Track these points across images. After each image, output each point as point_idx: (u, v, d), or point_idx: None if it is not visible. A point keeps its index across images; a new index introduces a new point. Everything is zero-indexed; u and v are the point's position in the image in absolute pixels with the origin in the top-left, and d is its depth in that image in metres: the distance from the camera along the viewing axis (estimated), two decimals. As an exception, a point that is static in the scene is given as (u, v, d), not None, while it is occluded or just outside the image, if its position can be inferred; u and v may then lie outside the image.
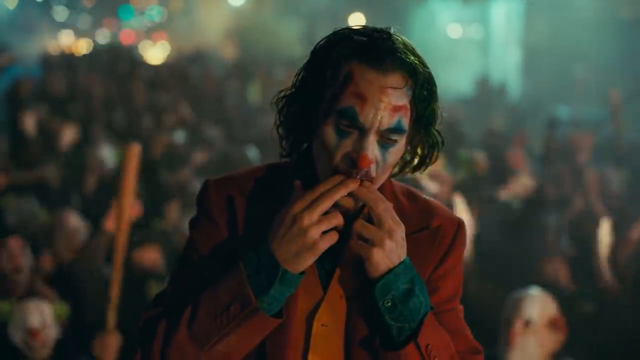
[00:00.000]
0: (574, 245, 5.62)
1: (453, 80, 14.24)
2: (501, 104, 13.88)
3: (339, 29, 1.68)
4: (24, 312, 3.87)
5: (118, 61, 14.73)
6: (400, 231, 1.62)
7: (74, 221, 5.24)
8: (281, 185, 1.70)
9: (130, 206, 3.95)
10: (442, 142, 1.74)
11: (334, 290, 1.69)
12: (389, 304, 1.60)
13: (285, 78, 14.47)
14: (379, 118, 1.58)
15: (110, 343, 3.88)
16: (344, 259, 1.69)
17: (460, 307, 1.78)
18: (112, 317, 3.88)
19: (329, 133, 1.61)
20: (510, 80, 16.66)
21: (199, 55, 16.22)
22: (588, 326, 4.21)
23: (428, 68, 1.64)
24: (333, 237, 1.60)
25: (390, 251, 1.60)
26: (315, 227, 1.57)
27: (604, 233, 4.44)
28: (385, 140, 1.61)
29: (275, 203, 1.66)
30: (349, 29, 1.66)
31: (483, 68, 16.78)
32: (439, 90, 1.67)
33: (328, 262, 1.70)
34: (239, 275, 1.59)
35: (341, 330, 1.67)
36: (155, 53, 19.38)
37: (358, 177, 1.60)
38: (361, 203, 1.65)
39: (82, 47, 18.81)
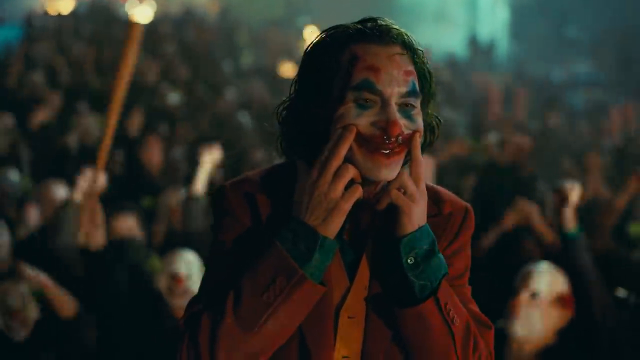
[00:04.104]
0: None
1: (441, 40, 14.19)
2: (488, 64, 13.84)
3: (327, 29, 1.73)
4: (3, 294, 3.82)
5: (103, 21, 14.50)
6: (425, 198, 1.69)
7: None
8: (298, 178, 1.73)
9: (125, 84, 3.96)
10: (440, 121, 1.78)
11: (360, 280, 1.72)
12: (412, 261, 1.65)
13: (271, 39, 14.38)
14: (395, 84, 1.63)
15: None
16: (368, 249, 1.73)
17: (469, 287, 1.83)
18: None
19: (349, 109, 1.64)
20: (498, 39, 16.58)
21: (187, 15, 15.97)
22: None
23: None
24: (356, 192, 1.63)
25: (423, 210, 1.67)
26: (332, 186, 1.61)
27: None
28: (404, 107, 1.65)
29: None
30: (338, 25, 1.72)
31: (471, 28, 16.68)
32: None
33: (352, 254, 1.74)
34: (278, 250, 1.62)
35: (363, 320, 1.71)
36: (141, 12, 19.06)
37: (393, 141, 1.62)
38: (380, 189, 1.69)
39: (67, 6, 18.49)
